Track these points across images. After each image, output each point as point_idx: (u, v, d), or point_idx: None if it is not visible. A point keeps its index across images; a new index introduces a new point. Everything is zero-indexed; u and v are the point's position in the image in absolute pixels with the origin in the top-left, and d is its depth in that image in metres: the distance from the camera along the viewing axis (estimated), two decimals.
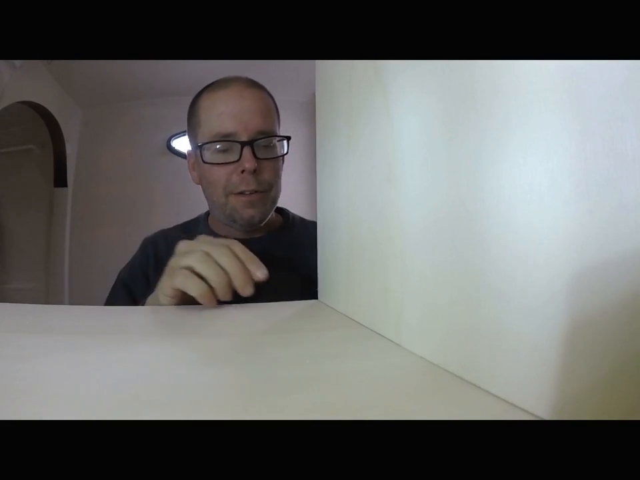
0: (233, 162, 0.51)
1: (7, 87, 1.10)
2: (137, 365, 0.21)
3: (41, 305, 0.37)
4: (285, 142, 0.55)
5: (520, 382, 0.15)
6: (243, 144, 0.51)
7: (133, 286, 0.58)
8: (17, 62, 1.11)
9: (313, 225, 0.40)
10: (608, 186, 0.13)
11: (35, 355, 0.22)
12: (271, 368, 0.20)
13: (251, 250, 0.53)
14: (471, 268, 0.17)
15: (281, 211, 0.63)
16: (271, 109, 0.55)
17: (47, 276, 1.51)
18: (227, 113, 0.52)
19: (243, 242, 0.54)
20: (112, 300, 0.58)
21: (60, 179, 1.50)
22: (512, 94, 0.15)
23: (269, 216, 0.56)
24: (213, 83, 0.55)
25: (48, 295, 1.48)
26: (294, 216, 0.63)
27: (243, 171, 0.51)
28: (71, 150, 1.50)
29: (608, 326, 0.13)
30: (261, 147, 0.52)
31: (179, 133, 1.55)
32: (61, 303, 1.49)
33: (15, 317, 0.32)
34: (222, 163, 0.52)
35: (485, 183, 0.17)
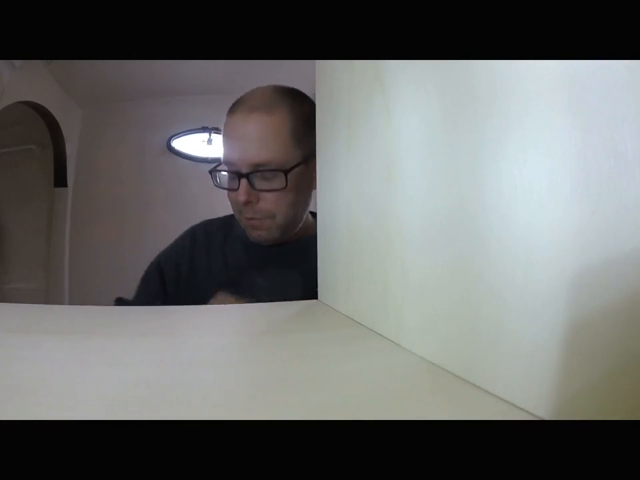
0: (232, 190, 0.53)
1: (6, 87, 1.10)
2: (137, 365, 0.21)
3: (40, 305, 0.37)
4: (298, 169, 0.52)
5: (520, 382, 0.15)
6: (240, 175, 0.51)
7: (166, 270, 0.60)
8: (17, 62, 1.11)
9: None
10: (608, 186, 0.13)
11: (35, 355, 0.22)
12: (271, 368, 0.20)
13: (282, 254, 0.55)
14: (471, 268, 0.17)
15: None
16: (278, 133, 0.51)
17: (47, 276, 1.51)
18: (231, 141, 0.52)
19: (276, 246, 0.56)
20: (145, 279, 0.60)
21: (60, 179, 1.50)
22: (512, 94, 0.15)
23: (284, 236, 0.56)
24: (235, 102, 0.55)
25: (48, 295, 1.48)
26: None
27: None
28: (70, 150, 1.50)
29: (608, 326, 0.13)
30: (259, 178, 0.51)
31: (179, 133, 1.55)
32: (60, 303, 1.49)
33: (15, 317, 0.32)
34: (229, 189, 0.54)
35: (485, 183, 0.17)
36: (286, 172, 0.51)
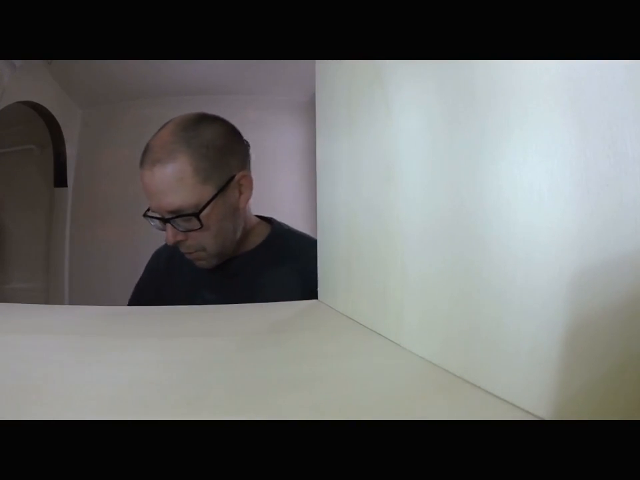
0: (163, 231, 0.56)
1: (7, 87, 1.10)
2: (136, 364, 0.21)
3: (41, 305, 0.37)
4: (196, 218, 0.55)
5: (520, 382, 0.15)
6: (165, 220, 0.54)
7: (145, 292, 0.66)
8: (17, 62, 1.11)
9: (298, 236, 0.43)
10: (608, 186, 0.13)
11: (35, 355, 0.22)
12: (271, 368, 0.20)
13: (225, 269, 0.60)
14: (471, 268, 0.17)
15: (269, 221, 0.66)
16: (181, 181, 0.53)
17: (47, 276, 1.51)
18: (146, 193, 0.55)
19: (234, 257, 0.60)
20: (134, 297, 0.65)
21: (60, 179, 1.50)
22: (512, 94, 0.15)
23: (223, 258, 0.59)
24: (143, 152, 0.58)
25: (48, 295, 1.48)
26: (280, 228, 0.65)
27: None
28: (70, 150, 1.50)
29: (608, 326, 0.13)
30: (181, 220, 0.54)
31: None
32: (61, 303, 1.49)
33: (15, 317, 0.32)
34: (161, 230, 0.57)
35: (485, 183, 0.17)
36: (197, 214, 0.54)
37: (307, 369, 0.20)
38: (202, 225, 0.54)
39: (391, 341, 0.24)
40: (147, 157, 0.55)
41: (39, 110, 1.33)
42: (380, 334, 0.25)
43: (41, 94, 1.29)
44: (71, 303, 1.50)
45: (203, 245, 0.56)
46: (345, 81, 0.30)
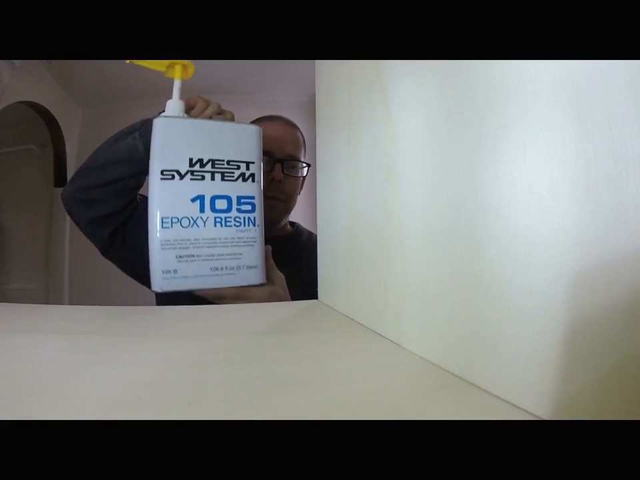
0: (267, 172, 0.69)
1: (7, 87, 1.10)
2: (137, 364, 0.21)
3: (41, 305, 0.37)
4: (306, 168, 0.75)
5: (520, 382, 0.15)
6: (276, 160, 0.69)
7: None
8: (17, 62, 1.11)
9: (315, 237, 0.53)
10: (608, 186, 0.13)
11: (35, 355, 0.22)
12: (271, 368, 0.20)
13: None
14: (471, 268, 0.17)
15: (293, 224, 0.82)
16: (299, 142, 0.75)
17: (47, 276, 1.51)
18: (270, 137, 0.69)
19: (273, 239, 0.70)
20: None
21: (60, 179, 1.50)
22: (512, 94, 0.15)
23: (282, 222, 0.75)
24: (266, 116, 0.77)
25: (48, 295, 1.49)
26: (303, 228, 0.82)
27: (272, 180, 0.69)
28: (70, 150, 1.50)
29: (608, 327, 0.13)
30: (288, 166, 0.71)
31: None
32: (61, 303, 1.49)
33: (15, 317, 0.32)
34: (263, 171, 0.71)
35: (485, 183, 0.17)
36: (308, 165, 0.73)
37: (306, 368, 0.20)
38: (304, 175, 0.73)
39: (391, 341, 0.24)
40: (278, 119, 0.74)
41: (39, 110, 1.33)
42: (380, 334, 0.25)
43: (41, 94, 1.29)
44: (71, 303, 1.50)
45: (288, 194, 0.71)
46: (344, 80, 0.30)
